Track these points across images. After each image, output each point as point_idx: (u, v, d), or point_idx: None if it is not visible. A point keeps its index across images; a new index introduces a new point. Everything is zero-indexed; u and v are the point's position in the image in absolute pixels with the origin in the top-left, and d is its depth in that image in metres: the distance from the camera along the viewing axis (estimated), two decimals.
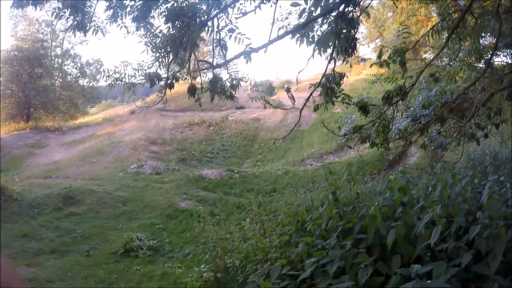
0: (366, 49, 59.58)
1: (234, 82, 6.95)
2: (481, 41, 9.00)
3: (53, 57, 36.15)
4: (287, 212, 5.28)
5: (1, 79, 31.76)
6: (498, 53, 9.32)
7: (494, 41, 7.81)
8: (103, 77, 6.95)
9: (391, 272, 3.06)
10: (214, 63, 7.01)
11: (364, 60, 44.92)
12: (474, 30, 7.48)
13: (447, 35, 6.79)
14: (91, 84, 38.81)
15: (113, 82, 6.93)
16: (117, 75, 6.86)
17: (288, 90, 31.65)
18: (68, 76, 37.62)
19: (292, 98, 30.01)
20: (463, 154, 10.34)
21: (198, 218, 10.45)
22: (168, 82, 6.87)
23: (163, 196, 12.93)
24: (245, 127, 27.33)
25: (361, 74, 31.99)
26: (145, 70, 6.76)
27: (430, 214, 3.23)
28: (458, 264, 2.83)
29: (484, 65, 8.38)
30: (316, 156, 19.78)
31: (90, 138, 25.94)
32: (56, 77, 36.49)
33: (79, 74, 37.95)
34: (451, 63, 9.09)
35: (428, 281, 2.64)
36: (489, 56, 7.63)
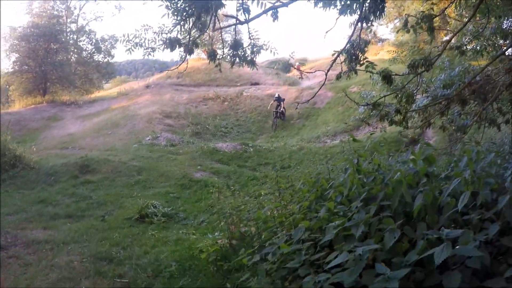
0: (384, 29, 58.94)
1: (255, 49, 6.85)
2: (506, 23, 8.70)
3: (68, 33, 36.48)
4: (307, 179, 5.22)
5: (18, 55, 32.29)
6: None
7: None
8: (122, 42, 6.86)
9: (416, 238, 2.99)
10: (236, 37, 6.90)
11: (382, 40, 44.27)
12: (503, 1, 7.23)
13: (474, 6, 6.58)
14: (106, 60, 39.15)
15: (132, 47, 6.85)
16: (137, 40, 6.78)
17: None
18: (84, 52, 38.00)
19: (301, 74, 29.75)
20: (482, 140, 10.13)
21: (212, 188, 10.43)
22: (189, 47, 6.79)
23: (178, 167, 12.92)
24: (259, 103, 27.13)
25: (379, 54, 31.55)
26: (166, 34, 6.66)
27: (458, 179, 3.12)
28: (485, 235, 2.74)
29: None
30: (331, 134, 19.60)
31: (105, 112, 26.10)
32: (71, 53, 36.89)
33: (94, 49, 38.27)
34: (475, 38, 8.80)
35: (457, 247, 2.56)
36: None
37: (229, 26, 6.86)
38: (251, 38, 6.86)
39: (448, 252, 2.50)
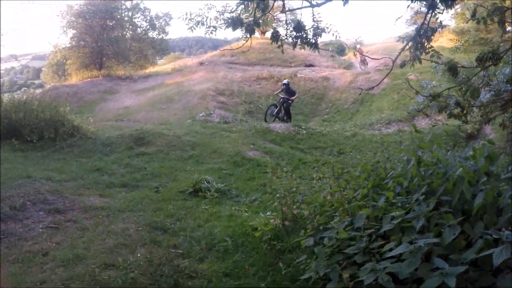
0: (444, 15, 56.90)
1: (317, 31, 6.80)
2: None
3: (123, 11, 37.35)
4: (365, 167, 5.18)
5: (75, 31, 34.22)
6: None
7: None
8: (184, 20, 6.96)
9: (474, 236, 2.94)
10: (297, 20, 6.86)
11: (442, 26, 42.51)
12: None
13: None
14: (160, 37, 40.07)
15: (194, 26, 6.94)
16: (199, 18, 6.86)
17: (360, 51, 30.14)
18: (138, 29, 39.17)
19: (364, 60, 29.09)
20: None
21: (265, 168, 10.39)
22: (251, 27, 6.82)
23: (231, 144, 12.93)
24: (313, 85, 26.84)
25: (438, 41, 30.43)
26: (228, 13, 6.73)
27: None
28: None
29: None
30: (386, 122, 19.08)
31: (160, 87, 26.67)
32: (126, 29, 38.03)
33: (148, 26, 39.25)
34: None
35: None
36: None
37: (299, 8, 6.80)
38: (314, 20, 6.81)
39: (507, 254, 2.47)
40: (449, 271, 2.61)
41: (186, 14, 6.91)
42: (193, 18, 6.86)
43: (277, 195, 6.17)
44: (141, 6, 38.61)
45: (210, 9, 6.87)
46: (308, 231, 4.65)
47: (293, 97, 19.26)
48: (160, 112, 20.39)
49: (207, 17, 6.85)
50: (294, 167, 11.01)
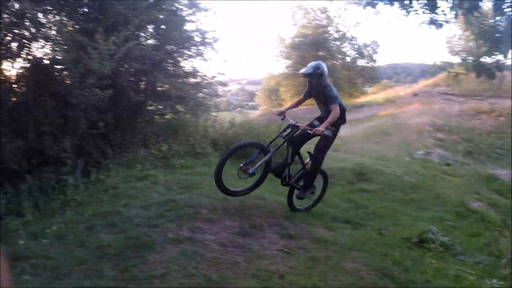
0: None
1: None
2: None
3: (331, 41, 39.43)
4: None
5: (290, 62, 38.75)
6: None
7: None
8: (431, 71, 7.41)
9: None
10: None
11: None
12: None
13: None
14: (369, 65, 40.51)
15: (437, 71, 7.33)
16: (442, 65, 7.22)
17: None
18: (347, 57, 40.59)
19: None
20: None
21: (489, 224, 9.62)
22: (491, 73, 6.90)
23: (453, 190, 12.13)
24: None
25: None
26: (472, 59, 6.94)
27: None
28: None
29: None
30: None
31: (373, 118, 26.79)
32: (336, 59, 39.95)
33: (357, 55, 40.23)
34: None
35: None
36: None
37: None
38: None
39: None
40: None
41: (433, 63, 7.38)
42: (436, 64, 7.31)
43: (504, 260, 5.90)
44: (348, 35, 40.03)
45: (453, 55, 7.19)
46: None
47: (324, 126, 7.38)
48: (375, 145, 20.25)
49: (449, 63, 7.21)
50: None
